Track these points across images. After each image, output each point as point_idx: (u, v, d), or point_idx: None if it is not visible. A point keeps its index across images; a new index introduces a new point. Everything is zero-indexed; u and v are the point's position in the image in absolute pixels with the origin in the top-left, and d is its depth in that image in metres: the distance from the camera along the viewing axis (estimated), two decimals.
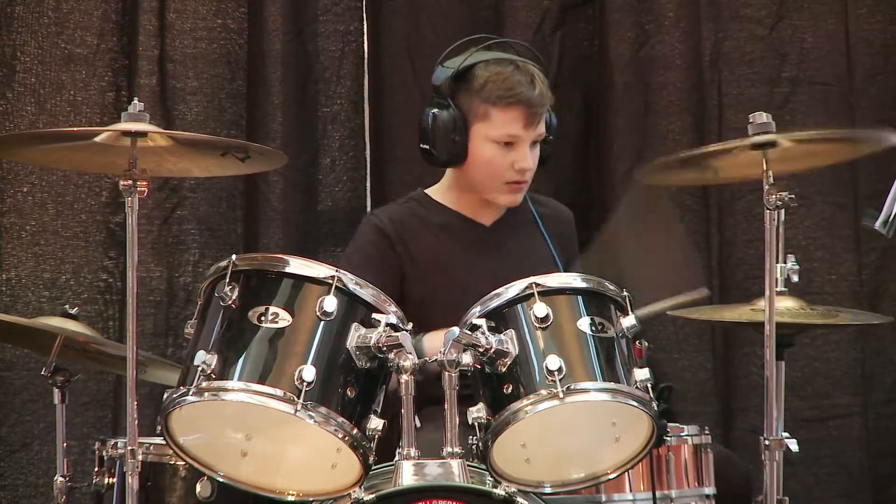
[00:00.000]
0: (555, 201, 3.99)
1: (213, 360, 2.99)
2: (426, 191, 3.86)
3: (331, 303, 3.02)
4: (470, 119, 3.70)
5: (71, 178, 4.55)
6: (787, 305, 3.70)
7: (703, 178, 3.56)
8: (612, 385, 3.04)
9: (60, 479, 3.63)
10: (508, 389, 3.04)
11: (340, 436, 2.99)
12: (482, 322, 3.06)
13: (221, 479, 3.11)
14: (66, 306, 3.79)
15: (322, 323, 3.02)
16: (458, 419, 3.02)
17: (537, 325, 3.05)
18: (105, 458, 3.52)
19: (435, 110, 3.70)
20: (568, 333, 3.07)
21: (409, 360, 3.00)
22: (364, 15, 4.71)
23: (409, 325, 3.11)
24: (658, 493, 3.33)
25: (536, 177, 3.80)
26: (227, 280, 3.05)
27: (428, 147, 3.72)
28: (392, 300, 3.10)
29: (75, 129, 3.85)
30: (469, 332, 3.03)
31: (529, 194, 3.84)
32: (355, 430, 3.00)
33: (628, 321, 3.11)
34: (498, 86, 3.67)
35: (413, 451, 3.02)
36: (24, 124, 4.52)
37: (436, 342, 3.35)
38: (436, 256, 3.74)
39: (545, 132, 3.73)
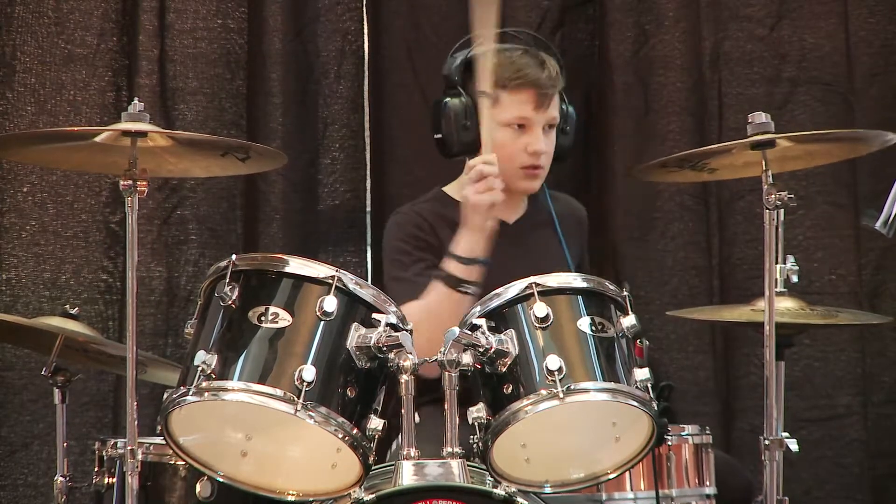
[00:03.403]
0: (570, 198, 3.99)
1: (213, 360, 2.99)
2: (444, 188, 3.85)
3: (331, 303, 3.02)
4: (481, 105, 3.69)
5: (71, 178, 4.55)
6: (786, 306, 3.70)
7: (699, 177, 3.56)
8: (612, 385, 3.04)
9: (60, 479, 3.63)
10: (508, 389, 3.04)
11: (340, 436, 2.99)
12: (482, 322, 3.06)
13: (221, 479, 3.11)
14: (66, 306, 3.79)
15: (322, 323, 3.02)
16: (458, 419, 3.02)
17: (537, 325, 3.05)
18: (105, 458, 3.52)
19: (447, 99, 3.70)
20: (568, 333, 3.07)
21: (409, 360, 3.00)
22: (364, 15, 4.71)
23: (410, 325, 3.11)
24: (659, 493, 3.33)
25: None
26: (227, 280, 3.05)
27: (441, 136, 3.72)
28: (392, 300, 3.10)
29: (75, 129, 3.85)
30: (469, 332, 3.03)
31: (550, 191, 3.84)
32: (355, 430, 3.00)
33: (628, 321, 3.11)
34: (507, 68, 3.67)
35: (413, 451, 3.02)
36: (24, 124, 4.52)
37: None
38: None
39: (558, 117, 3.73)
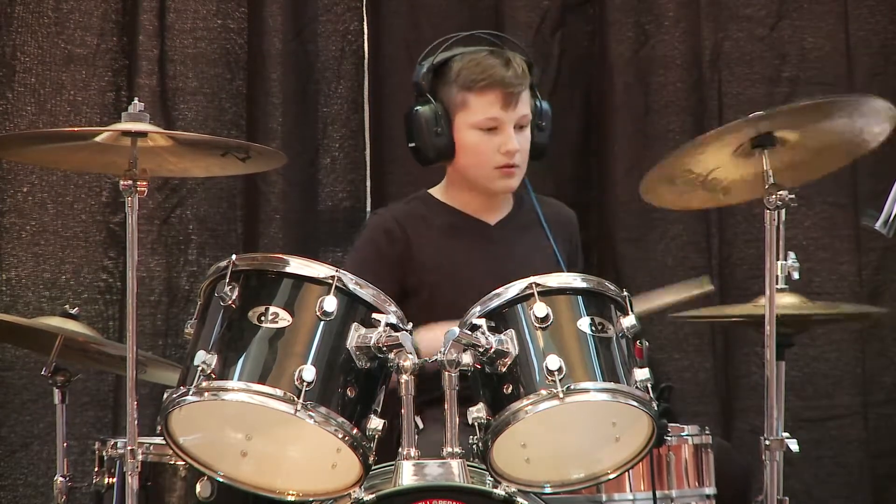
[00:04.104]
0: (559, 202, 3.99)
1: (213, 360, 2.98)
2: (429, 191, 3.86)
3: (331, 303, 3.01)
4: (451, 110, 3.70)
5: (71, 178, 4.55)
6: (788, 302, 3.70)
7: (714, 199, 3.52)
8: (611, 385, 3.04)
9: (60, 479, 3.63)
10: (508, 389, 3.04)
11: (340, 436, 2.99)
12: (482, 322, 3.05)
13: (221, 479, 3.11)
14: (66, 306, 3.78)
15: (322, 323, 3.02)
16: (458, 419, 3.02)
17: (537, 325, 3.05)
18: (105, 458, 3.52)
19: (417, 107, 3.71)
20: (568, 333, 3.07)
21: (409, 360, 3.00)
22: (364, 15, 4.71)
23: (409, 325, 3.10)
24: (658, 493, 3.33)
25: (536, 174, 3.79)
26: (227, 280, 3.04)
27: (415, 144, 3.72)
28: (392, 300, 3.10)
29: (75, 129, 3.85)
30: (469, 332, 3.03)
31: (536, 194, 3.84)
32: (355, 430, 3.00)
33: (628, 321, 3.11)
34: (471, 71, 3.67)
35: (413, 451, 3.02)
36: (24, 124, 4.52)
37: (429, 336, 3.35)
38: (440, 256, 3.74)
39: (529, 114, 3.71)
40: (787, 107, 3.30)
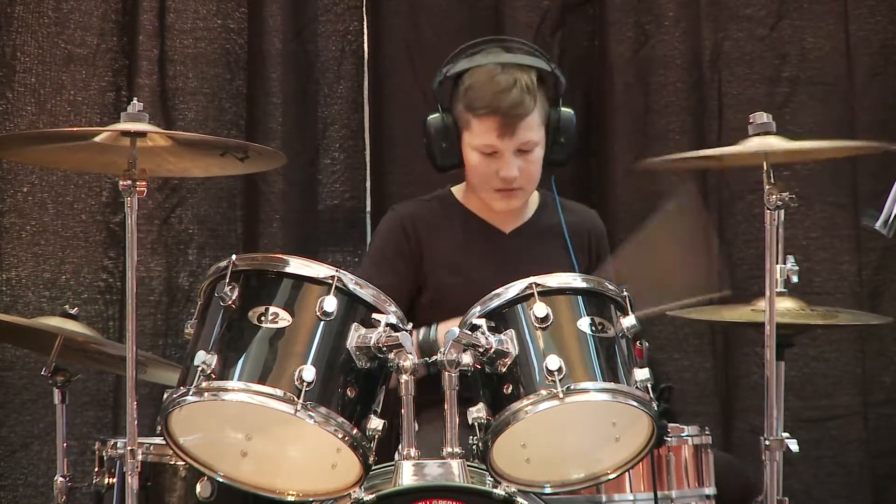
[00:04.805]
0: (586, 208, 3.96)
1: (213, 360, 2.99)
2: (453, 189, 3.86)
3: (331, 303, 3.02)
4: (460, 126, 3.70)
5: (71, 178, 4.55)
6: (786, 306, 3.70)
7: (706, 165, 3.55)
8: (611, 385, 3.04)
9: (60, 479, 3.62)
10: (508, 389, 3.04)
11: (340, 436, 2.99)
12: (482, 322, 3.05)
13: (221, 479, 3.11)
14: (66, 306, 3.78)
15: (322, 323, 3.02)
16: (458, 419, 3.02)
17: (537, 325, 3.05)
18: (105, 458, 3.52)
19: (431, 117, 3.71)
20: (568, 333, 3.07)
21: (409, 360, 3.00)
22: (364, 15, 4.71)
23: (409, 325, 3.11)
24: (658, 494, 3.33)
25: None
26: (227, 280, 3.05)
27: (427, 153, 3.73)
28: (392, 300, 3.10)
29: (75, 129, 3.85)
30: (469, 332, 3.03)
31: (562, 200, 3.82)
32: (355, 430, 3.00)
33: (628, 321, 3.11)
34: (474, 94, 3.65)
35: (413, 451, 3.02)
36: (24, 124, 4.52)
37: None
38: (450, 260, 3.74)
39: (535, 139, 3.68)
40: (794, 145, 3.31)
